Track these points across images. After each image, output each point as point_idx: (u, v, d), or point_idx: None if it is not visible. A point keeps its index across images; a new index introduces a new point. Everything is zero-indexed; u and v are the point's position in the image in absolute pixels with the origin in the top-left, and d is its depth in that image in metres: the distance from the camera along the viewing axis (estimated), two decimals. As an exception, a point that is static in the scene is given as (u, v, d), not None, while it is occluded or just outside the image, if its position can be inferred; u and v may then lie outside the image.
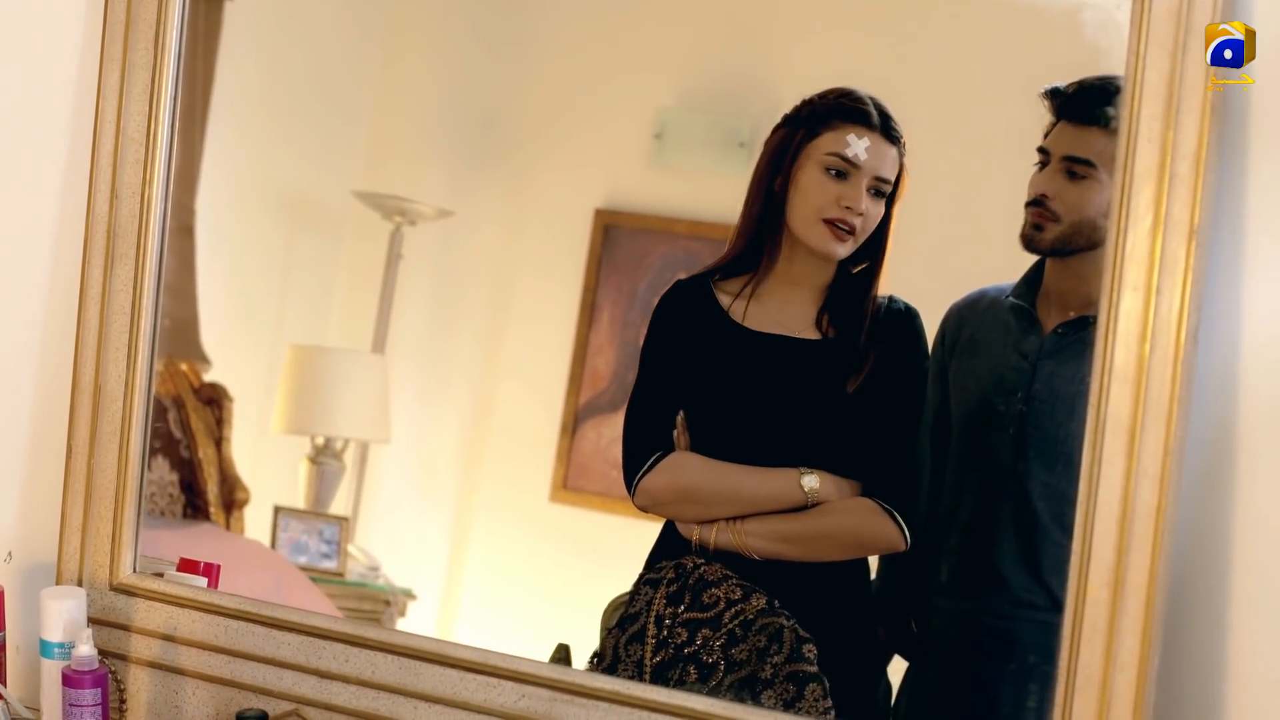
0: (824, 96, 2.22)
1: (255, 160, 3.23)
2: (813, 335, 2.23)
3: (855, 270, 2.23)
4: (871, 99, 2.20)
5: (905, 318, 2.22)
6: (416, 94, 3.20)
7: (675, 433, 2.25)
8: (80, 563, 2.33)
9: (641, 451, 2.25)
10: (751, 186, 2.26)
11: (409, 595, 2.99)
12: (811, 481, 2.17)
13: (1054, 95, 2.13)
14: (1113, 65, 1.88)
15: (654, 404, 2.28)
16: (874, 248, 2.21)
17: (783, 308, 2.24)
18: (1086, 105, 2.09)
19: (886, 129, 2.19)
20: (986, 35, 2.37)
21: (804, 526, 2.18)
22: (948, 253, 2.37)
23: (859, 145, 2.18)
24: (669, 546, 2.25)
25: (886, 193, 2.20)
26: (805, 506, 2.18)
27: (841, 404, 2.20)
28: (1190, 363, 1.78)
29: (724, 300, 2.26)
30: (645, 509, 2.26)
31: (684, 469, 2.23)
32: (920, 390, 2.21)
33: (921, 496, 2.19)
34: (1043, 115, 2.14)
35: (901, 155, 2.20)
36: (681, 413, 2.26)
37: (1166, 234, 1.77)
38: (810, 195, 2.21)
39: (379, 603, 2.99)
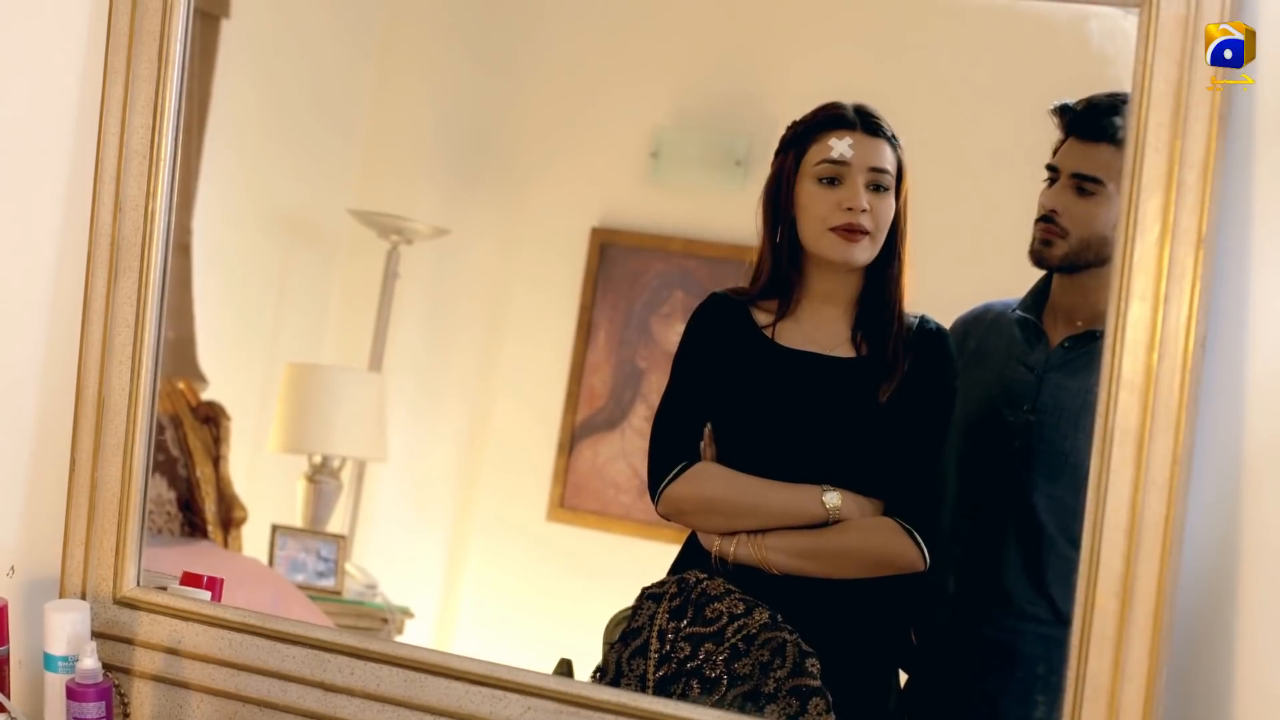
0: (805, 116, 2.24)
1: (251, 179, 3.21)
2: (847, 353, 2.23)
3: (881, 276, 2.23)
4: (855, 105, 2.21)
5: (936, 337, 2.22)
6: (412, 112, 3.19)
7: (702, 444, 2.25)
8: (83, 576, 2.32)
9: (667, 460, 2.25)
10: (762, 220, 2.26)
11: (406, 613, 2.98)
12: (833, 499, 2.17)
13: (1063, 111, 2.14)
14: (1120, 73, 1.88)
15: (683, 414, 2.28)
16: (890, 248, 2.21)
17: (817, 325, 2.24)
18: (1095, 121, 2.09)
19: (867, 125, 2.20)
20: (991, 47, 2.35)
21: (824, 543, 2.18)
22: (956, 267, 2.36)
23: (842, 145, 2.18)
24: (689, 561, 2.25)
25: (888, 185, 2.19)
26: (826, 523, 2.18)
27: (870, 422, 2.20)
28: (1198, 371, 1.78)
29: (760, 318, 2.26)
30: (667, 517, 2.27)
31: (708, 480, 2.24)
32: (947, 410, 2.21)
33: (945, 517, 2.19)
34: (1052, 131, 2.14)
35: (895, 149, 2.20)
36: (709, 425, 2.26)
37: (1174, 243, 1.77)
38: (811, 209, 2.21)
39: (376, 621, 2.97)
